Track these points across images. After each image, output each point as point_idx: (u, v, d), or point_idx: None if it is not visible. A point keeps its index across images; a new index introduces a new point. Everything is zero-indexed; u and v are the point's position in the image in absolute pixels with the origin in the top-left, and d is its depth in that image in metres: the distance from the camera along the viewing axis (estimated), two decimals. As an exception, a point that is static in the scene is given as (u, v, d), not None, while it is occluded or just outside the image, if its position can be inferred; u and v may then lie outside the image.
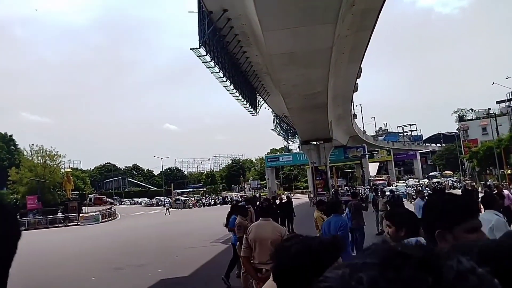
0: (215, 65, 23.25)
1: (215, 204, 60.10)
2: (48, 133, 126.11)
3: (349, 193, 35.88)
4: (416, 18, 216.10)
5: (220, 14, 20.28)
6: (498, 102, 72.06)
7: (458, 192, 14.75)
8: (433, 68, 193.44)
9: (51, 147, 49.59)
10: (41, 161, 47.76)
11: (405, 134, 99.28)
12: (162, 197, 71.73)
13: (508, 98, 69.61)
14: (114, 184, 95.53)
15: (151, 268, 10.93)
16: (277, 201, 17.39)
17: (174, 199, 62.47)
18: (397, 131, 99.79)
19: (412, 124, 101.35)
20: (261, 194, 56.85)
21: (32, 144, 49.33)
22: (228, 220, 9.10)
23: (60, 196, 47.65)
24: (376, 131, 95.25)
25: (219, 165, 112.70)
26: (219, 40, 22.13)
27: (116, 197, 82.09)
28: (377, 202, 13.25)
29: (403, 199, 22.90)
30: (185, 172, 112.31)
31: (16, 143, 64.80)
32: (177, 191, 75.22)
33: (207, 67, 23.31)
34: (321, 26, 16.27)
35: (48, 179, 46.25)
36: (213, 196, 72.48)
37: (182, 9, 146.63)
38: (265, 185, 69.82)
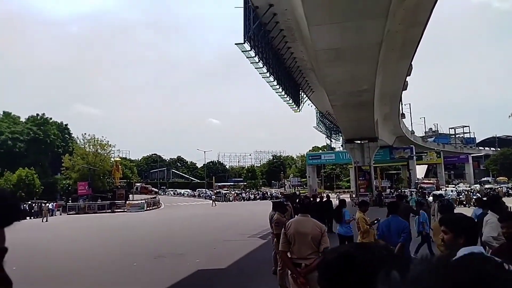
0: (259, 61, 23.23)
1: (255, 199, 60.50)
2: (99, 124, 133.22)
3: (394, 195, 34.67)
4: (472, 13, 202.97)
5: (266, 9, 20.20)
6: None
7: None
8: (489, 67, 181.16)
9: (102, 136, 52.27)
10: (93, 149, 50.52)
11: (457, 136, 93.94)
12: (204, 189, 73.42)
13: None
14: (159, 175, 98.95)
15: (190, 257, 11.15)
16: (317, 200, 17.15)
17: (215, 191, 63.63)
18: (448, 132, 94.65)
19: (465, 126, 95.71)
20: (301, 191, 56.40)
21: (85, 134, 52.34)
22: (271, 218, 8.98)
23: (109, 183, 50.16)
24: (425, 132, 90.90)
25: (259, 161, 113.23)
26: (263, 35, 22.07)
27: (163, 187, 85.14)
28: (425, 205, 12.54)
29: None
30: (227, 166, 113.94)
31: (71, 132, 68.97)
32: (218, 184, 76.58)
33: (251, 62, 23.36)
34: (370, 21, 15.71)
35: (99, 167, 48.83)
36: (253, 191, 72.99)
37: (228, 5, 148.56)
38: (306, 182, 69.15)
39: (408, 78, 30.14)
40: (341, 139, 61.21)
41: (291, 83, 31.61)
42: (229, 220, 24.22)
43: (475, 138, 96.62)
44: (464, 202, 31.85)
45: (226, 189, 72.45)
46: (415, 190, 40.90)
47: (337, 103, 27.25)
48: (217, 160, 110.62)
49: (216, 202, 47.16)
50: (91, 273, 9.81)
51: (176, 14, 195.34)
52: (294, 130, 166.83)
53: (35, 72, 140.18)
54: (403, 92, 34.01)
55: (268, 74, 25.49)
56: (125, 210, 40.90)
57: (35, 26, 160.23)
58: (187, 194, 75.17)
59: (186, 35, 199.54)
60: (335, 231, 11.58)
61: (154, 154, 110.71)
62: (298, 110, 37.70)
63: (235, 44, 20.44)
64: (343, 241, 8.93)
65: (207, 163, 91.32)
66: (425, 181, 55.23)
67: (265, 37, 22.15)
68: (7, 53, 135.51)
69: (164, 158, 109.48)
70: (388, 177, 68.42)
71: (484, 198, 11.65)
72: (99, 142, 50.73)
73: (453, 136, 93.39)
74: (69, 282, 8.97)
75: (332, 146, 74.96)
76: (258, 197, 62.10)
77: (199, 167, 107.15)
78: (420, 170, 66.57)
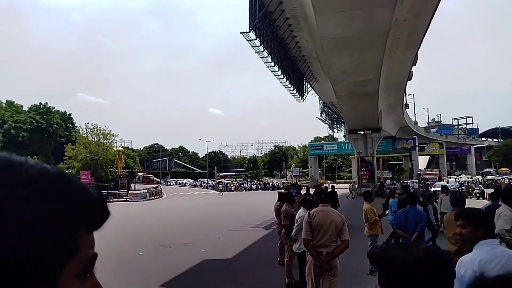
0: (264, 50, 22.98)
1: (256, 189, 60.59)
2: (102, 113, 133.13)
3: (395, 186, 34.65)
4: (476, 2, 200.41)
5: (272, -3, 19.89)
6: None
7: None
8: (493, 57, 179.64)
9: (105, 126, 52.16)
10: (95, 139, 50.42)
11: (460, 127, 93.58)
12: (206, 179, 73.52)
13: None
14: (161, 164, 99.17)
15: (195, 247, 11.12)
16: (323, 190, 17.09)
17: (216, 181, 63.75)
18: (451, 123, 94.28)
19: (468, 117, 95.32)
20: (302, 182, 56.40)
21: (88, 123, 52.22)
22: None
23: (111, 172, 50.19)
24: (428, 122, 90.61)
25: (261, 151, 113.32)
26: (269, 24, 21.78)
27: (167, 176, 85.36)
28: (433, 197, 12.39)
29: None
30: (228, 156, 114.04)
31: (74, 121, 68.96)
32: (220, 174, 76.64)
33: (255, 51, 23.12)
34: (378, 9, 15.44)
35: (101, 156, 48.77)
36: (255, 181, 73.07)
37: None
38: (307, 173, 69.16)
39: (413, 68, 29.87)
40: (343, 130, 61.00)
41: (295, 73, 31.34)
42: (232, 210, 24.22)
43: (478, 129, 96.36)
44: (465, 194, 31.80)
45: (228, 179, 72.57)
46: (417, 181, 40.84)
47: (342, 93, 27.03)
48: (219, 150, 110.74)
49: (222, 192, 47.78)
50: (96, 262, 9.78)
51: (179, 3, 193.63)
52: (296, 120, 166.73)
53: (39, 61, 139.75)
54: (408, 82, 33.74)
55: (272, 64, 25.27)
56: (128, 199, 41.00)
57: (38, 13, 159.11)
58: (189, 184, 75.32)
59: (189, 24, 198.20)
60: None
61: (156, 143, 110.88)
62: (302, 100, 37.50)
63: (241, 33, 20.19)
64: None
65: (209, 153, 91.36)
66: (428, 172, 55.19)
67: (270, 26, 21.87)
68: (10, 41, 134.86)
69: (166, 148, 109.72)
70: (390, 167, 68.31)
71: (491, 191, 11.55)
72: (102, 131, 50.60)
73: (456, 126, 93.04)
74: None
75: (334, 136, 74.79)
76: (260, 187, 62.18)
77: (200, 157, 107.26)
78: (422, 161, 66.48)
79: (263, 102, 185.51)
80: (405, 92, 39.08)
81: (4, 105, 67.60)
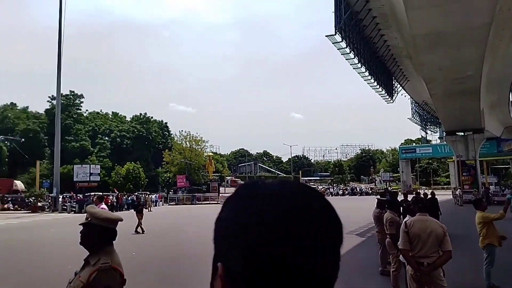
0: (350, 51, 22.52)
1: (343, 194, 59.07)
2: (192, 121, 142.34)
3: (504, 192, 30.86)
4: None
5: (358, -3, 19.48)
6: None
7: None
8: None
9: (197, 133, 55.88)
10: (188, 145, 54.27)
11: None
12: (291, 184, 73.71)
13: None
14: (247, 169, 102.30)
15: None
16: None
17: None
18: None
19: None
20: (393, 188, 53.46)
21: (181, 130, 56.48)
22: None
23: (203, 176, 53.45)
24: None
25: (346, 155, 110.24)
26: (355, 24, 21.34)
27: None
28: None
29: None
30: (312, 160, 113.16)
31: (169, 129, 74.97)
32: (305, 178, 76.45)
33: (341, 54, 22.75)
34: (479, 1, 14.16)
35: (194, 161, 52.31)
36: (341, 186, 71.31)
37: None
38: (398, 178, 65.31)
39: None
40: (438, 131, 56.48)
41: (384, 73, 30.05)
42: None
43: None
44: None
45: (312, 183, 72.01)
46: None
47: (437, 92, 25.16)
48: (302, 154, 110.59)
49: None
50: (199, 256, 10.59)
51: (258, 12, 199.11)
52: (383, 122, 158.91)
53: (137, 75, 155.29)
54: (516, 76, 30.06)
55: (359, 65, 24.61)
56: (218, 202, 43.22)
57: (134, 33, 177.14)
58: (274, 188, 76.27)
59: (269, 31, 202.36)
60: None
61: (241, 148, 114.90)
62: (391, 101, 35.70)
63: (326, 36, 20.10)
64: None
65: (293, 157, 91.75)
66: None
67: (356, 27, 21.40)
68: (112, 60, 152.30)
69: (251, 152, 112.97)
70: (495, 172, 61.16)
71: None
72: (194, 138, 54.28)
73: None
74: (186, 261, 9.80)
75: (427, 138, 69.53)
76: (346, 192, 60.52)
77: (284, 161, 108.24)
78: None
79: (346, 104, 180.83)
80: (511, 89, 34.84)
81: (110, 116, 76.60)
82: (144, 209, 18.70)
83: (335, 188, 65.81)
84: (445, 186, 60.23)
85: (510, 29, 19.69)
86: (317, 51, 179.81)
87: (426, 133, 67.26)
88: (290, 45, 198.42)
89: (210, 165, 51.10)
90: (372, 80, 28.25)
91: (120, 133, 67.70)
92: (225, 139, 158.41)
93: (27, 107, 69.83)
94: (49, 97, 63.73)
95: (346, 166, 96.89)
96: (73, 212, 32.50)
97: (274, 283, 0.46)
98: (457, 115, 30.20)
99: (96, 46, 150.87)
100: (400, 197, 12.50)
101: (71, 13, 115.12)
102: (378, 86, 30.02)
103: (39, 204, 36.40)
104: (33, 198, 37.80)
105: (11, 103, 69.54)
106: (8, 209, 36.61)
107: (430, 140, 68.51)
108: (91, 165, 50.08)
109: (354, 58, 23.56)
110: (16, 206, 37.48)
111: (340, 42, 21.06)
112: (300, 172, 71.45)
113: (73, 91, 69.25)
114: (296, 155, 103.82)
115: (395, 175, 70.15)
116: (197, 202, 43.33)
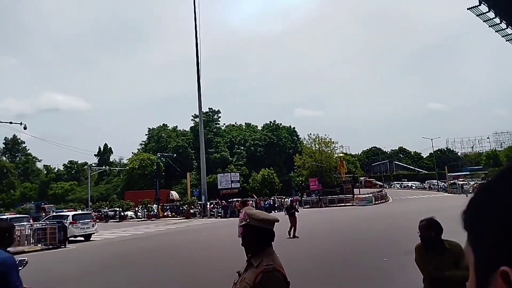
0: (501, 21, 19.05)
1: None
2: (320, 124, 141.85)
3: None
4: None
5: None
6: None
7: None
8: None
9: (325, 135, 55.37)
10: (318, 147, 54.14)
11: None
12: (434, 181, 66.92)
13: None
14: (382, 168, 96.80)
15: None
16: None
17: (449, 183, 56.93)
18: None
19: None
20: None
21: (310, 134, 56.72)
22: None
23: (335, 178, 52.56)
24: None
25: (501, 144, 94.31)
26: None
27: (391, 179, 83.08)
28: None
29: None
30: (458, 153, 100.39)
31: (298, 134, 76.34)
32: (451, 174, 68.17)
33: (489, 26, 19.39)
34: None
35: (325, 163, 51.87)
36: (499, 180, 61.02)
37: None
38: None
39: None
40: None
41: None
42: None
43: None
44: None
45: (461, 179, 63.69)
46: None
47: None
48: (446, 148, 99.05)
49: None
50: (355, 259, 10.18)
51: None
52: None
53: (266, 86, 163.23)
54: None
55: (514, 36, 20.63)
56: (353, 204, 41.72)
57: (258, 47, 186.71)
58: (416, 187, 70.32)
59: (397, 19, 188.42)
60: None
61: (373, 147, 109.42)
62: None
63: (468, 8, 17.40)
64: None
65: (434, 151, 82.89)
66: None
67: (506, -9, 18.00)
68: (241, 75, 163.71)
69: (384, 150, 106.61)
70: None
71: None
72: (322, 140, 53.91)
73: None
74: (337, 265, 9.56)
75: None
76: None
77: (424, 156, 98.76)
78: None
79: (498, 86, 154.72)
80: None
81: (244, 127, 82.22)
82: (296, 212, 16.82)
83: (491, 183, 56.64)
84: None
85: None
86: (455, 32, 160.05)
87: None
88: (421, 30, 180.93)
89: (342, 166, 49.90)
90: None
91: (253, 141, 71.90)
92: (354, 138, 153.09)
93: (176, 126, 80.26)
94: (192, 116, 73.15)
95: (503, 156, 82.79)
96: (219, 217, 35.64)
97: None
98: None
99: (227, 65, 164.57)
100: None
101: (204, 42, 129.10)
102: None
103: (191, 211, 41.22)
104: (186, 206, 42.90)
105: (163, 124, 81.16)
106: (167, 216, 42.47)
107: None
108: (231, 173, 54.40)
109: (506, 28, 19.84)
110: (173, 213, 43.26)
111: (487, 12, 17.97)
112: (446, 167, 63.75)
113: (211, 108, 77.41)
114: (439, 149, 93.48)
115: None
116: (331, 204, 42.69)
